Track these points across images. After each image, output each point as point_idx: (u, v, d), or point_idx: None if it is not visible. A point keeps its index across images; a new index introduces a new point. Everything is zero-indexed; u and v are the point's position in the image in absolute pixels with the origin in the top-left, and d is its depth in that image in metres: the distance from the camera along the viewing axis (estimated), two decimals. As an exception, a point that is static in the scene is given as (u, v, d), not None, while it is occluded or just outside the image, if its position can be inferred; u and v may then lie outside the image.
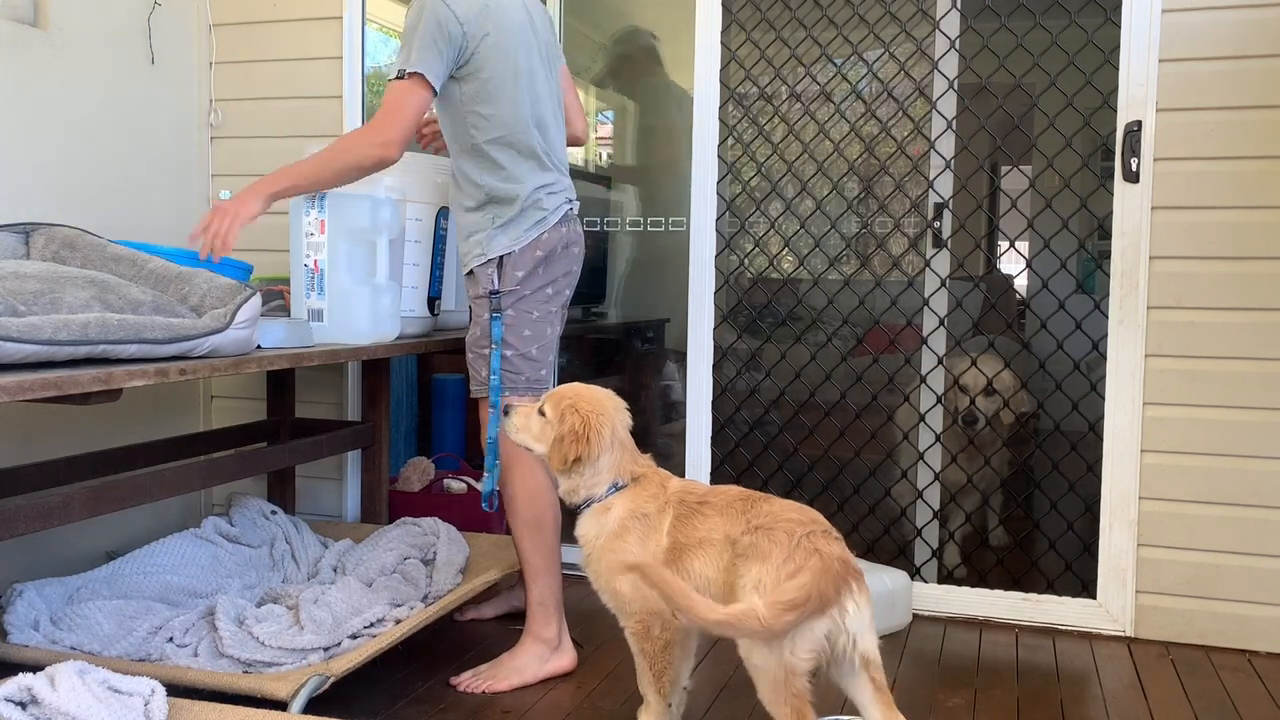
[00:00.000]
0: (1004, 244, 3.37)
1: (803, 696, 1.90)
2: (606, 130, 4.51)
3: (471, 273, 2.60)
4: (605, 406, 2.17)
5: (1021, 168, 3.47)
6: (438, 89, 2.47)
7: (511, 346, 2.57)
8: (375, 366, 3.22)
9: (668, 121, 4.11)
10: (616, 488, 2.16)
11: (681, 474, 3.36)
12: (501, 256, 2.55)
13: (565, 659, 2.63)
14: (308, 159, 2.55)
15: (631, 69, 4.21)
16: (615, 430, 2.16)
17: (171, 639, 2.40)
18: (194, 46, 3.58)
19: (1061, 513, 3.20)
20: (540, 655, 2.60)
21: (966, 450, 3.45)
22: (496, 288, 2.54)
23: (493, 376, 2.56)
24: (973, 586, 3.19)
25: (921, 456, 3.30)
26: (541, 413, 2.19)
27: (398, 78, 2.43)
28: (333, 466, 3.59)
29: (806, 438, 3.43)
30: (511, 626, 2.79)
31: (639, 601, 2.12)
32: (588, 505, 2.18)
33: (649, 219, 3.87)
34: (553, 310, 2.64)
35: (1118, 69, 2.93)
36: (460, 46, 2.46)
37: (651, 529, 2.11)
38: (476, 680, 2.56)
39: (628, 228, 3.93)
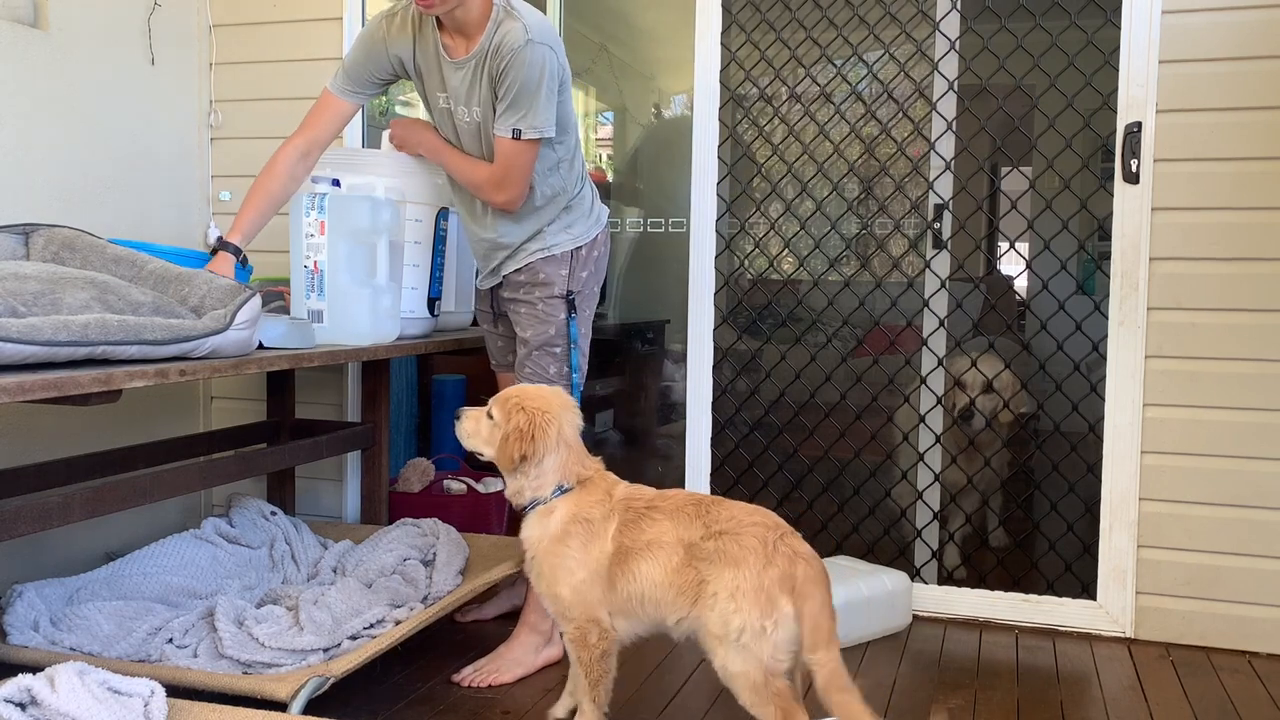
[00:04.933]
0: (1004, 245, 3.37)
1: (785, 694, 1.92)
2: (607, 132, 4.52)
3: (523, 268, 2.63)
4: (552, 406, 2.17)
5: (1021, 169, 3.47)
6: None
7: (579, 347, 2.66)
8: (375, 367, 3.22)
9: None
10: (562, 490, 2.16)
11: (681, 475, 3.38)
12: (572, 253, 2.63)
13: (556, 648, 2.69)
14: (458, 157, 2.63)
15: None
16: (562, 430, 2.16)
17: (171, 640, 2.40)
18: (194, 47, 3.58)
19: (1061, 514, 3.20)
20: (535, 645, 2.66)
21: (966, 451, 3.46)
22: (570, 289, 2.63)
23: (574, 374, 2.63)
24: (973, 588, 3.19)
25: (921, 458, 3.30)
26: (490, 416, 2.20)
27: (515, 138, 2.44)
28: (332, 467, 3.59)
29: (806, 439, 3.43)
30: (511, 627, 2.78)
31: (579, 607, 2.13)
32: (533, 507, 2.18)
33: (649, 220, 3.87)
34: (594, 311, 2.77)
35: (1118, 70, 2.93)
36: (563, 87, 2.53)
37: (595, 535, 2.11)
38: (479, 675, 2.59)
39: (628, 229, 3.93)
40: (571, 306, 2.63)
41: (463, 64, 2.48)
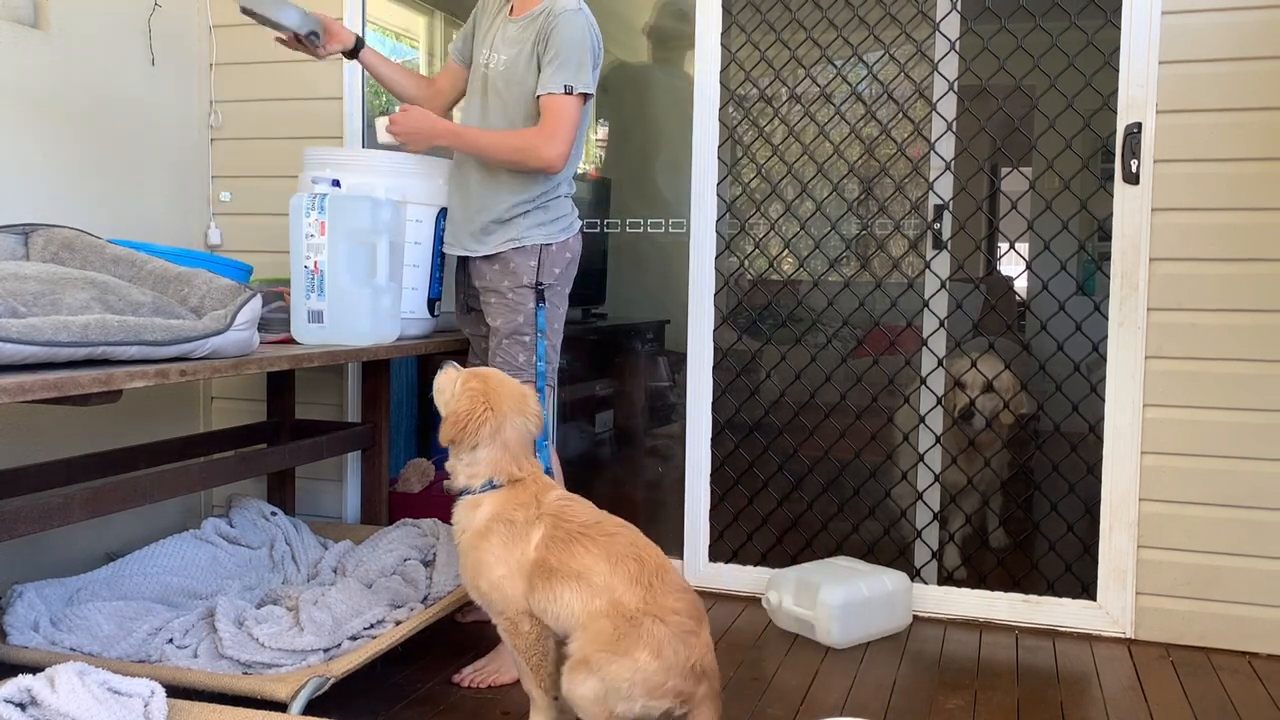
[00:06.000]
0: (1004, 245, 3.37)
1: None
2: (605, 133, 4.51)
3: (494, 257, 2.69)
4: (503, 404, 2.17)
5: (1021, 169, 3.47)
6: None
7: (547, 337, 2.70)
8: (375, 368, 3.22)
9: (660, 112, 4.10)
10: (493, 485, 2.17)
11: (681, 475, 3.38)
12: (541, 248, 2.68)
13: None
14: (484, 132, 2.71)
15: (665, 46, 4.19)
16: (501, 430, 2.16)
17: (171, 640, 2.40)
18: (194, 48, 3.58)
19: (1061, 514, 3.20)
20: None
21: (966, 452, 3.45)
22: (540, 280, 2.68)
23: (539, 363, 2.68)
24: (973, 588, 3.19)
25: (921, 458, 3.30)
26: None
27: (566, 92, 2.57)
28: (333, 468, 3.59)
29: (807, 439, 3.43)
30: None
31: (502, 601, 2.14)
32: (463, 495, 2.20)
33: (649, 220, 3.87)
34: (565, 310, 2.80)
35: (1118, 71, 2.93)
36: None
37: (517, 537, 2.12)
38: (479, 675, 2.59)
39: (628, 229, 3.93)
40: (540, 297, 2.68)
41: (519, 21, 2.69)
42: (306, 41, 2.80)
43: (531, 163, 2.61)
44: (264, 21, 2.76)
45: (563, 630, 2.10)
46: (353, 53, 2.89)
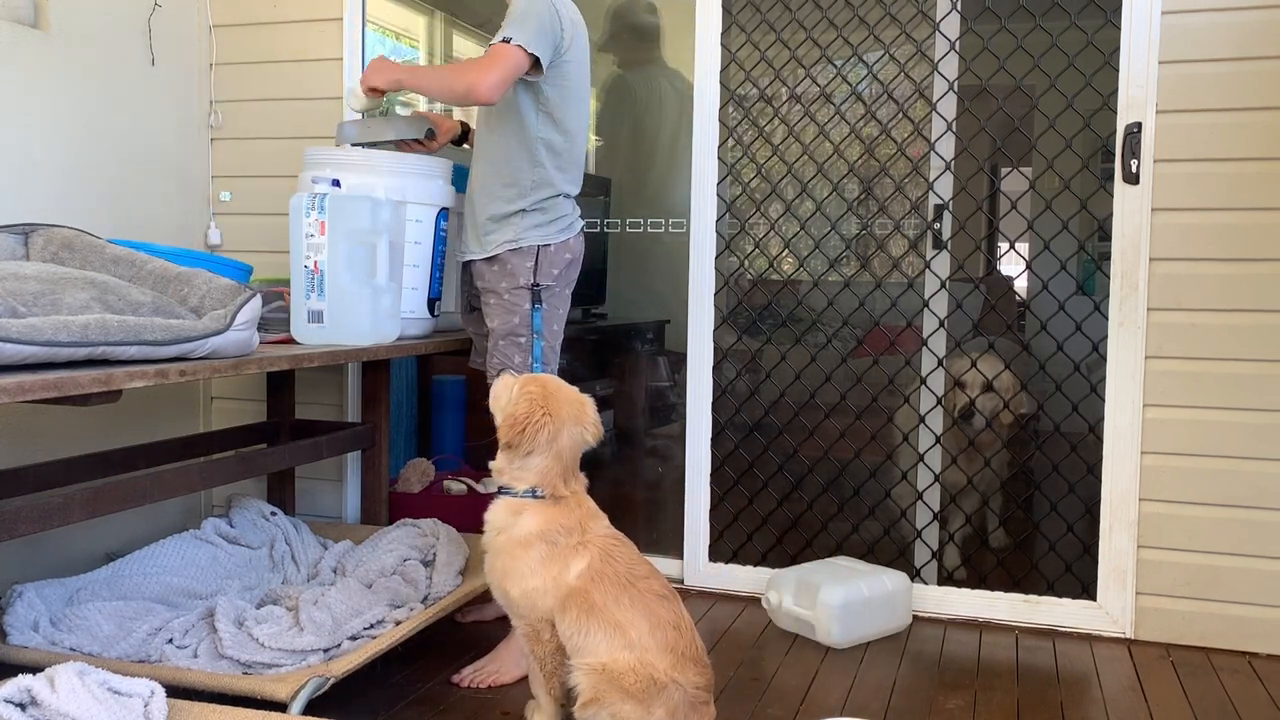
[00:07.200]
0: (1004, 245, 3.37)
1: None
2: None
3: (494, 259, 2.70)
4: (561, 411, 2.17)
5: (1021, 169, 3.46)
6: (543, 70, 2.58)
7: (544, 339, 2.70)
8: (375, 368, 3.22)
9: (661, 114, 4.10)
10: (535, 494, 2.16)
11: (681, 475, 3.37)
12: (539, 249, 2.68)
13: None
14: (424, 67, 2.80)
15: (627, 46, 4.19)
16: (557, 438, 2.15)
17: (171, 640, 2.40)
18: (194, 48, 3.58)
19: (1061, 514, 3.20)
20: None
21: (966, 452, 3.45)
22: (537, 281, 2.68)
23: (535, 364, 2.68)
24: (973, 588, 3.19)
25: (921, 458, 3.30)
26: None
27: (505, 42, 2.51)
28: (332, 468, 3.59)
29: (807, 439, 3.43)
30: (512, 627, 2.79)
31: (528, 608, 2.15)
32: (502, 493, 2.20)
33: (649, 220, 3.87)
34: (566, 311, 2.80)
35: (1118, 71, 2.93)
36: (558, 48, 2.60)
37: (555, 559, 2.12)
38: (479, 675, 2.59)
39: (628, 229, 3.93)
40: (536, 298, 2.68)
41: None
42: (423, 140, 3.01)
43: (457, 86, 2.59)
44: (382, 146, 2.96)
45: (570, 651, 2.11)
46: (462, 138, 3.07)
